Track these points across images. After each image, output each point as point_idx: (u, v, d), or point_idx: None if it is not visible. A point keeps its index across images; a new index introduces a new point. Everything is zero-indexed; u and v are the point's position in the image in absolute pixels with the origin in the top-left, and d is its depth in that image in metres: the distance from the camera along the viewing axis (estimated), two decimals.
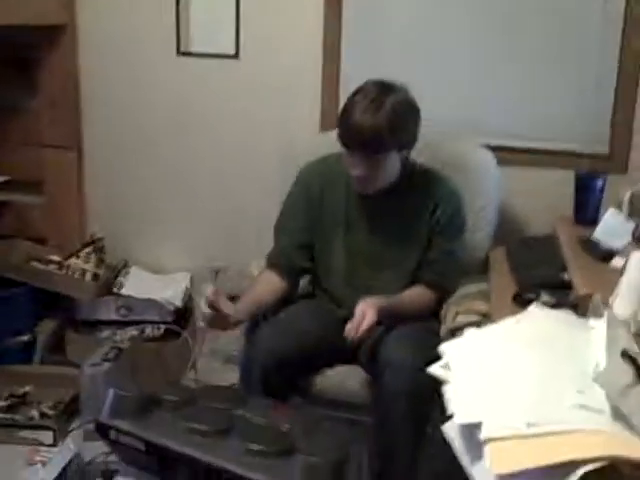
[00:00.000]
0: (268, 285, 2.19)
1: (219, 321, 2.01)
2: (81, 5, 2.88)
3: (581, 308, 1.68)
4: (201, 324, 2.09)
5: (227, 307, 2.01)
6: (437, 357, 1.46)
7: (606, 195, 2.39)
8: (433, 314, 2.18)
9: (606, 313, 1.40)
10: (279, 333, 2.05)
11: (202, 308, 1.99)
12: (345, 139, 2.02)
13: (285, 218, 2.27)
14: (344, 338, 1.97)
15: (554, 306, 1.71)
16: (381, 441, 1.99)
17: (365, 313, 1.95)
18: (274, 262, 2.22)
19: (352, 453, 1.70)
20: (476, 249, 2.39)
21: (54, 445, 2.42)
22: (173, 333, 2.83)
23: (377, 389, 2.01)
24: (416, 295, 2.16)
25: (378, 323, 1.99)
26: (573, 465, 1.06)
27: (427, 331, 2.07)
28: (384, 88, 2.01)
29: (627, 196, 2.29)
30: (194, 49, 2.84)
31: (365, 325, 1.94)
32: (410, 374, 1.87)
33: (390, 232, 2.15)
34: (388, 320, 2.04)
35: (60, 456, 2.12)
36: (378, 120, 1.95)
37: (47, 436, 2.43)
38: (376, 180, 2.07)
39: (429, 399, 1.84)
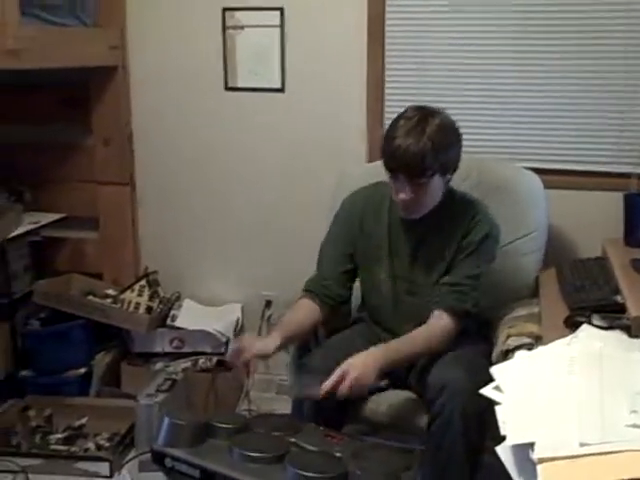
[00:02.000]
0: (303, 312, 2.18)
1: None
2: (132, 47, 2.99)
3: (634, 330, 1.67)
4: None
5: (257, 348, 2.02)
6: (489, 379, 1.46)
7: None
8: (484, 337, 2.17)
9: None
10: (330, 359, 2.02)
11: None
12: (389, 163, 2.03)
13: (326, 246, 2.29)
14: None
15: (606, 329, 1.70)
16: (436, 467, 1.95)
17: (344, 377, 1.88)
18: (310, 289, 2.22)
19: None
20: (526, 272, 2.37)
21: (110, 476, 2.46)
22: (225, 364, 2.86)
23: (431, 413, 1.98)
24: (422, 336, 2.06)
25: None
26: None
27: (478, 354, 2.05)
28: (426, 112, 2.02)
29: None
30: (241, 84, 2.91)
31: (341, 391, 1.87)
32: (465, 396, 1.85)
33: (430, 258, 2.14)
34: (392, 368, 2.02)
35: None
36: (421, 143, 1.95)
37: (103, 467, 2.46)
38: (421, 205, 2.07)
39: (484, 423, 1.83)
